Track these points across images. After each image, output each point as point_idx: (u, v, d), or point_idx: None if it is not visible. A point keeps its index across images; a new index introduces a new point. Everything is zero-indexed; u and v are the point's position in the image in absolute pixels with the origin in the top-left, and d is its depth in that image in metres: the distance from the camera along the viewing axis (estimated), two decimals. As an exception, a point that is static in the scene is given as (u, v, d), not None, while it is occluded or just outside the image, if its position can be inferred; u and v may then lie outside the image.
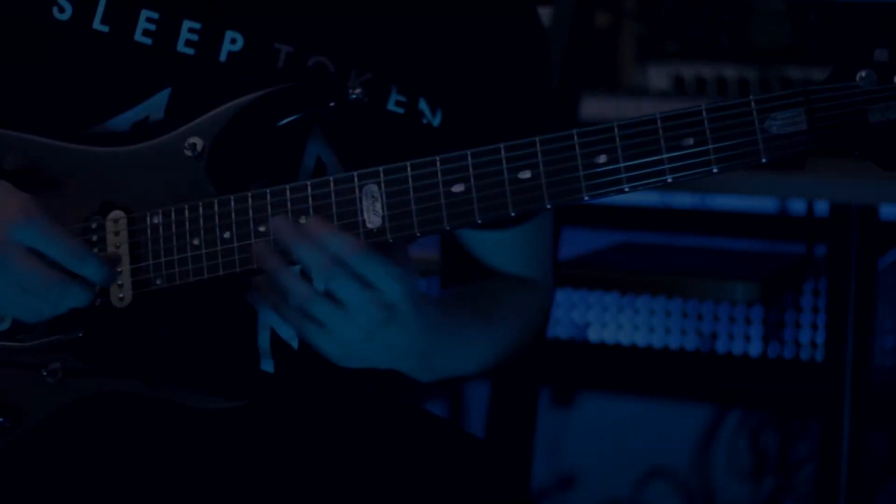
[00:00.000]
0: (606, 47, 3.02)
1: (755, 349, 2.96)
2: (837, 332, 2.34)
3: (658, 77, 2.95)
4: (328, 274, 1.33)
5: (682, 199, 3.09)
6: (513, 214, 1.35)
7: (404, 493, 1.50)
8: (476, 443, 1.67)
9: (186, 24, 1.48)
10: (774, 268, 2.66)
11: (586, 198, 1.33)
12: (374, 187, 1.36)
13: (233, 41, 1.48)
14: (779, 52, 2.83)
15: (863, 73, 1.30)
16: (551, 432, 3.36)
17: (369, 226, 1.36)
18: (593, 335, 3.04)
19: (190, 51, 1.48)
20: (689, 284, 2.57)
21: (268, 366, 1.51)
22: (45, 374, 1.43)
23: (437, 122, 1.52)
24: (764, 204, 3.05)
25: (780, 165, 2.34)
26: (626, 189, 1.33)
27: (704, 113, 1.31)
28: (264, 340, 1.51)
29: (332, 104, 1.41)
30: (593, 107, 2.85)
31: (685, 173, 1.32)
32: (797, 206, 2.97)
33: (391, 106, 1.50)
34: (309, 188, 1.37)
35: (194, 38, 1.48)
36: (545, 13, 2.02)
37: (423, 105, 1.52)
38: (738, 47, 2.89)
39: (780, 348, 2.95)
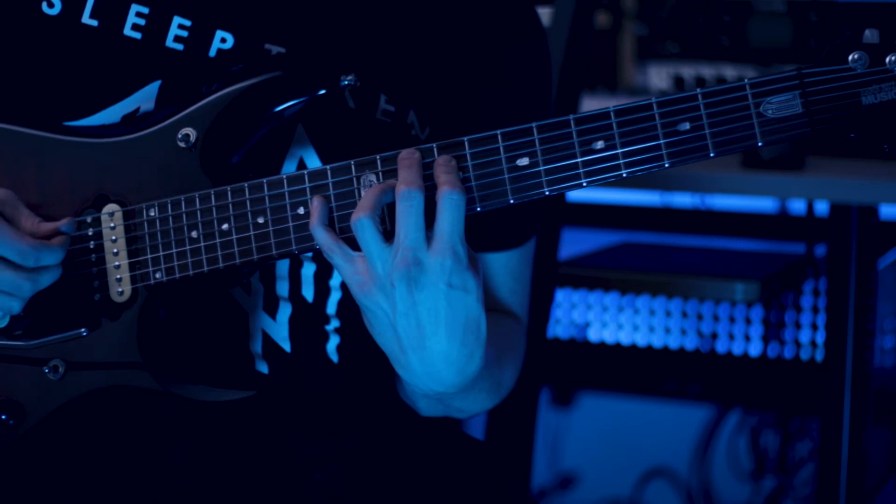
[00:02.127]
0: (606, 47, 3.02)
1: (755, 349, 2.96)
2: (837, 332, 2.33)
3: (658, 77, 2.95)
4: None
5: (682, 199, 3.08)
6: (511, 202, 1.35)
7: (404, 494, 1.51)
8: (476, 444, 1.67)
9: (177, 20, 1.48)
10: (774, 268, 2.66)
11: (584, 184, 1.34)
12: (373, 177, 1.36)
13: (223, 40, 1.48)
14: (779, 52, 2.83)
15: (855, 55, 1.29)
16: (551, 432, 3.36)
17: None
18: (593, 335, 3.04)
19: (179, 46, 1.48)
20: (689, 284, 2.57)
21: (262, 367, 1.51)
22: (46, 371, 1.43)
23: (424, 136, 1.52)
24: (764, 204, 3.04)
25: (780, 166, 2.34)
26: (625, 174, 1.33)
27: (700, 97, 1.32)
28: (257, 345, 1.50)
29: (322, 91, 1.41)
30: (593, 107, 2.85)
31: (683, 158, 1.32)
32: (797, 206, 2.97)
33: (379, 115, 1.50)
34: (306, 178, 1.37)
35: (184, 34, 1.48)
36: (545, 13, 2.02)
37: (412, 117, 1.51)
38: (737, 47, 2.88)
39: (780, 348, 2.95)
